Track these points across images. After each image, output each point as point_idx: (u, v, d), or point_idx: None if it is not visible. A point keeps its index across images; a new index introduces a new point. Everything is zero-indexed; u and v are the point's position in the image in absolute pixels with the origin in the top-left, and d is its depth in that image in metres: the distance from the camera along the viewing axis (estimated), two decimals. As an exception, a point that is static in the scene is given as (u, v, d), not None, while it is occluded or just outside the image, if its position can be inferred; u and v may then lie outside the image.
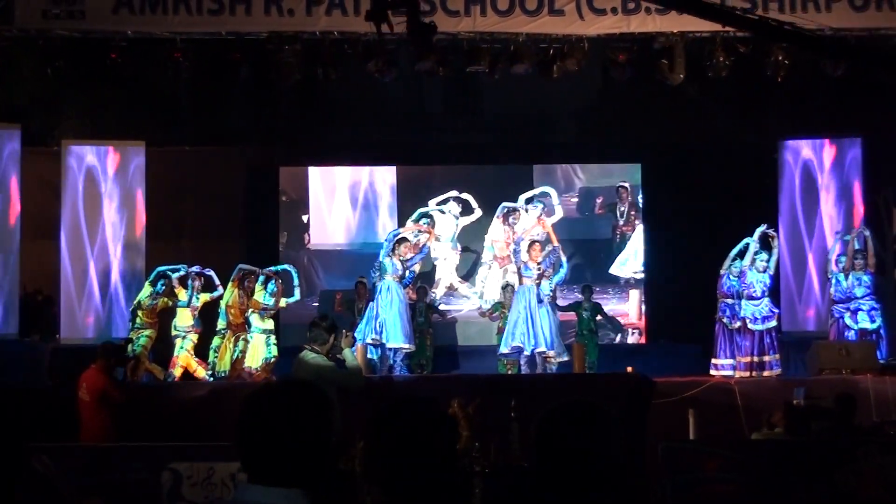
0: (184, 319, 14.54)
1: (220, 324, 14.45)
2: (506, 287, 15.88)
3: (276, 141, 17.65)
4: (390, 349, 14.24)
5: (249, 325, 14.44)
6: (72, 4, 13.08)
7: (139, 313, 14.37)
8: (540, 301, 14.40)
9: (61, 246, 15.86)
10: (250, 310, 14.45)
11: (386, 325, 14.21)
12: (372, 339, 14.22)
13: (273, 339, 14.61)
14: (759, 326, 14.13)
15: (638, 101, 15.56)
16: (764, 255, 14.33)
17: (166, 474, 9.32)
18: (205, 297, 14.65)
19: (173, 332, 14.53)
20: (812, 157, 16.27)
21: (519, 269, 14.59)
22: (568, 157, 17.98)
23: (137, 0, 13.09)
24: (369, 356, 14.36)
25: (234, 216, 17.50)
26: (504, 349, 14.63)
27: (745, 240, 14.30)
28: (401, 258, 14.50)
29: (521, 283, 14.51)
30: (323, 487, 2.79)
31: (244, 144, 17.59)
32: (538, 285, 14.42)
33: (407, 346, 14.37)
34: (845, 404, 10.50)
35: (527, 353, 14.27)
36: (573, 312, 16.10)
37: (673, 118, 16.36)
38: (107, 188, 16.14)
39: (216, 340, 14.40)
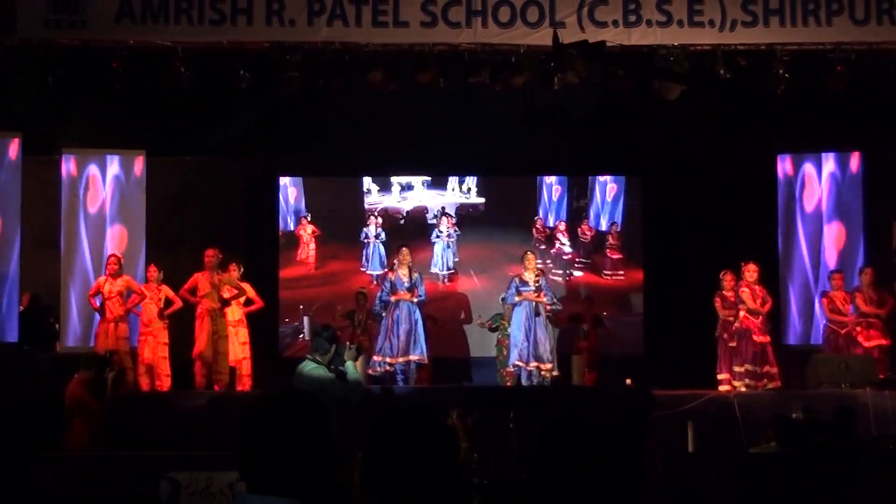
0: (148, 313, 14.61)
1: (200, 308, 14.56)
2: (504, 298, 15.90)
3: (276, 151, 17.65)
4: (403, 364, 14.30)
5: (222, 309, 14.60)
6: (73, 14, 13.10)
7: (108, 306, 14.40)
8: (538, 314, 14.41)
9: (61, 255, 15.85)
10: (223, 286, 14.56)
11: (402, 342, 14.29)
12: (388, 358, 14.31)
13: (243, 335, 14.74)
14: (759, 339, 14.17)
15: (638, 114, 15.55)
16: (752, 266, 14.38)
17: (165, 483, 9.33)
18: (167, 289, 14.74)
19: (141, 330, 14.58)
20: (812, 170, 16.27)
21: (517, 286, 14.59)
22: (568, 170, 18.01)
23: (139, 9, 13.10)
24: (377, 369, 14.45)
25: (234, 227, 17.49)
26: (509, 366, 14.68)
27: None
28: (408, 266, 14.66)
29: (519, 297, 14.50)
30: (322, 497, 2.79)
31: (245, 155, 17.59)
32: (538, 297, 14.43)
33: (419, 358, 14.46)
34: (844, 418, 10.50)
35: (525, 366, 14.31)
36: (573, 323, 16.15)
37: (673, 131, 16.35)
38: (107, 197, 16.15)
39: (197, 325, 14.48)
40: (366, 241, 17.92)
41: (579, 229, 18.03)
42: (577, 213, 18.09)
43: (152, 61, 13.68)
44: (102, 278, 14.74)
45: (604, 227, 18.02)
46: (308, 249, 17.86)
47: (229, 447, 2.85)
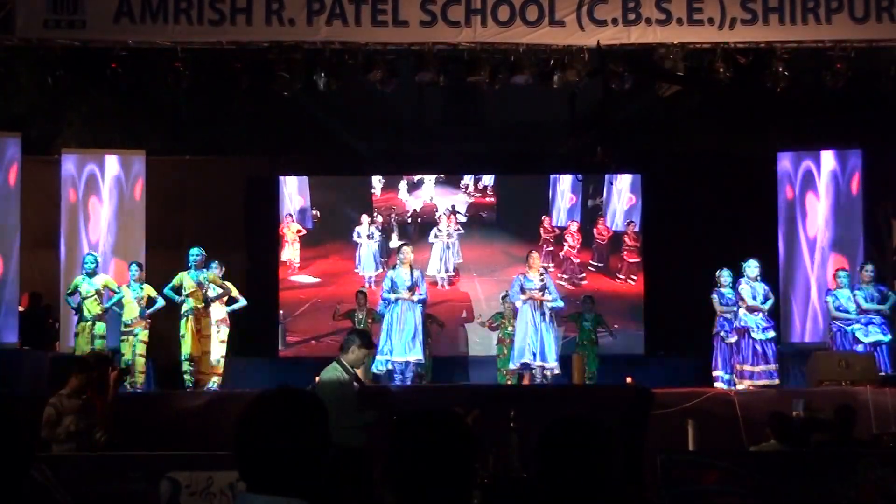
0: (130, 312, 14.61)
1: (185, 307, 14.53)
2: (505, 297, 15.90)
3: (276, 151, 17.66)
4: (402, 363, 14.30)
5: (208, 306, 14.60)
6: (73, 14, 13.08)
7: (84, 305, 14.42)
8: (543, 313, 14.40)
9: (61, 255, 15.87)
10: (209, 287, 14.55)
11: (401, 341, 14.30)
12: (387, 357, 14.32)
13: (224, 333, 14.75)
14: (760, 336, 14.15)
15: (637, 112, 15.56)
16: (753, 263, 14.36)
17: (165, 483, 9.29)
18: (149, 288, 14.75)
19: (122, 329, 14.58)
20: (812, 168, 16.29)
21: (521, 285, 14.56)
22: (567, 167, 18.00)
23: (138, 9, 13.09)
24: (379, 368, 14.48)
25: (233, 226, 17.52)
26: (513, 365, 14.66)
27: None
28: (409, 265, 14.66)
29: (524, 296, 14.47)
30: (322, 496, 2.78)
31: (244, 154, 17.60)
32: (542, 296, 14.40)
33: (417, 357, 14.46)
34: (845, 416, 10.49)
35: (532, 365, 14.30)
36: (573, 322, 16.16)
37: (672, 129, 16.37)
38: (106, 197, 16.17)
39: (182, 326, 14.47)
40: (358, 240, 17.85)
41: (595, 230, 17.95)
42: (592, 212, 18.03)
43: (152, 61, 13.67)
44: (79, 277, 14.72)
45: (620, 226, 17.97)
46: (292, 249, 17.79)
47: (230, 447, 2.84)
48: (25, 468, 3.47)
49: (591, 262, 17.91)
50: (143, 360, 14.53)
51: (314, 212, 17.92)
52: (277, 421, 2.78)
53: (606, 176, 17.86)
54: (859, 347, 14.16)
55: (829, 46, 13.34)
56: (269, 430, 2.76)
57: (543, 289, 14.44)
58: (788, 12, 13.09)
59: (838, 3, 13.05)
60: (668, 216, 17.33)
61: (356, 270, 17.80)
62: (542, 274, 14.60)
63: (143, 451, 10.41)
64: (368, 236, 17.83)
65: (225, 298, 14.97)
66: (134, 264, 14.99)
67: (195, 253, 14.67)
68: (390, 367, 14.50)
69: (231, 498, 9.01)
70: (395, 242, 17.60)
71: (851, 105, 14.79)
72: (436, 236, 17.78)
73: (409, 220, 18.00)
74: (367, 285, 17.30)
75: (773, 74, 13.45)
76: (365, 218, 17.88)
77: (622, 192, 17.89)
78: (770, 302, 14.45)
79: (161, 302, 14.86)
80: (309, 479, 2.77)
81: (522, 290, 14.50)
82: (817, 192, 16.21)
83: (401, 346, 14.34)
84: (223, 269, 15.02)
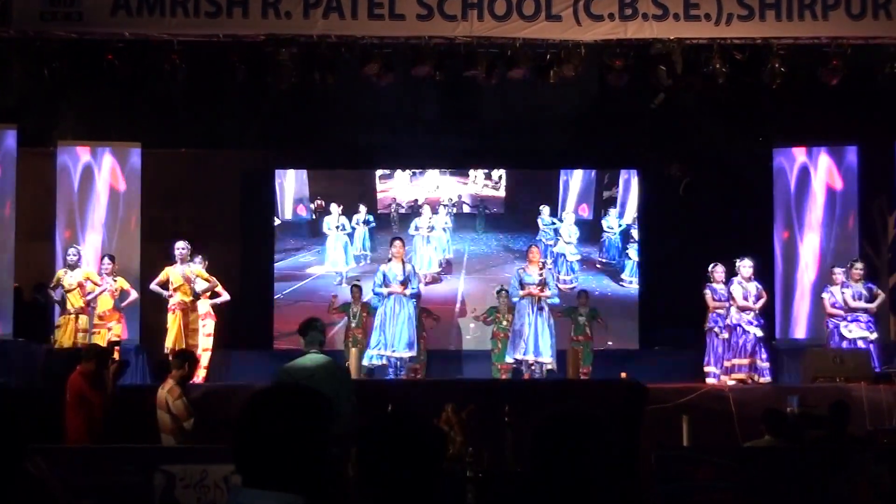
0: (103, 304, 14.57)
1: (172, 301, 14.49)
2: (500, 291, 15.89)
3: (272, 144, 17.64)
4: (395, 358, 14.29)
5: (196, 300, 14.56)
6: (69, 6, 13.06)
7: (68, 298, 14.37)
8: (541, 308, 14.39)
9: (56, 247, 15.85)
10: (195, 279, 14.50)
11: (393, 336, 14.27)
12: (379, 351, 14.31)
13: (210, 326, 14.72)
14: (753, 330, 14.15)
15: (634, 108, 15.54)
16: (748, 262, 14.35)
17: (159, 476, 9.31)
18: (122, 281, 14.72)
19: (95, 322, 14.53)
20: (808, 164, 16.29)
21: (521, 279, 14.54)
22: (565, 163, 18.00)
23: (135, 2, 13.07)
24: (372, 362, 14.47)
25: (229, 219, 17.50)
26: (509, 359, 14.65)
27: None
28: (401, 259, 14.61)
29: (523, 292, 14.45)
30: (318, 492, 2.78)
31: (240, 147, 17.58)
32: (541, 291, 14.38)
33: (410, 353, 14.44)
34: (839, 412, 10.51)
35: (529, 361, 14.29)
36: (568, 318, 16.15)
37: (669, 125, 16.35)
38: (102, 189, 16.15)
39: (169, 320, 14.44)
40: (327, 232, 17.72)
41: (604, 222, 17.89)
42: (605, 204, 17.93)
43: (148, 54, 13.65)
44: (62, 270, 14.67)
45: (630, 221, 17.88)
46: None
47: (224, 440, 2.85)
48: (19, 460, 3.47)
49: (599, 258, 17.85)
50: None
51: (318, 202, 17.80)
52: (277, 416, 2.77)
53: (621, 170, 17.86)
54: (844, 344, 14.17)
55: (826, 43, 13.36)
56: (268, 425, 2.76)
57: (543, 284, 14.42)
58: (785, 8, 13.10)
59: (835, 0, 13.06)
60: (663, 211, 17.33)
61: (322, 266, 17.70)
62: (541, 269, 14.58)
63: (138, 444, 10.43)
64: (338, 227, 17.66)
65: (208, 293, 14.93)
66: (106, 257, 14.94)
67: (180, 246, 14.60)
68: (384, 361, 14.49)
69: (225, 491, 9.02)
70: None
71: (847, 102, 14.79)
72: (416, 229, 17.66)
73: (410, 212, 17.87)
74: (338, 281, 17.20)
75: (769, 71, 13.45)
76: (335, 207, 17.68)
77: (636, 188, 17.79)
78: (762, 302, 14.43)
79: (135, 295, 14.84)
80: (306, 475, 2.77)
81: (521, 285, 14.48)
82: (813, 188, 16.20)
83: (393, 341, 14.33)
84: (206, 262, 14.97)
